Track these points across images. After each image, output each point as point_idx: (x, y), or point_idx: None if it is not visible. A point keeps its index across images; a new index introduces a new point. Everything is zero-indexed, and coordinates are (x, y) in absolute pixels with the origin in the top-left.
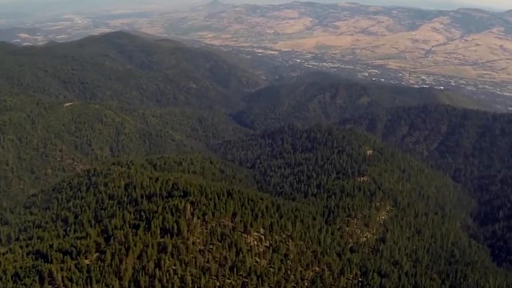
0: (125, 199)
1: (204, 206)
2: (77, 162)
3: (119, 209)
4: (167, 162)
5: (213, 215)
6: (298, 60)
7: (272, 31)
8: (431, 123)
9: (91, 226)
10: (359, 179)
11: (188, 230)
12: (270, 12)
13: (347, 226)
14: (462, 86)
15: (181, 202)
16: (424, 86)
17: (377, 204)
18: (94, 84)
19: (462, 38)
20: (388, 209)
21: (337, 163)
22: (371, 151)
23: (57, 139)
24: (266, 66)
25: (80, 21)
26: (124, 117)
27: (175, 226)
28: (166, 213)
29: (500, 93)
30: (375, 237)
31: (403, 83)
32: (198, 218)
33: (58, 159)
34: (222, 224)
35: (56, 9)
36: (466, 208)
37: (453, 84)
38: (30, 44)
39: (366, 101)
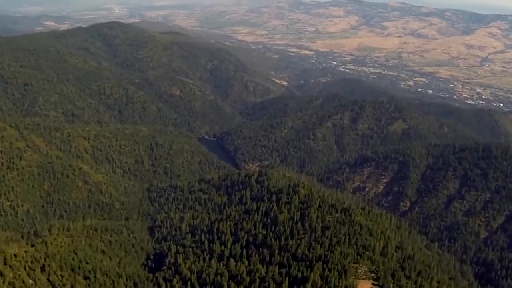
0: None
1: None
2: None
3: None
4: None
5: None
6: (334, 63)
7: (313, 29)
8: (496, 180)
9: None
10: None
11: None
12: (314, 9)
13: None
14: None
15: None
16: (480, 102)
17: None
18: (39, 86)
19: None
20: None
21: None
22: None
23: None
24: (293, 68)
25: (117, 11)
26: (32, 140)
27: None
28: None
29: None
30: None
31: (455, 96)
32: None
33: None
34: None
35: None
36: None
37: None
38: None
39: (401, 128)
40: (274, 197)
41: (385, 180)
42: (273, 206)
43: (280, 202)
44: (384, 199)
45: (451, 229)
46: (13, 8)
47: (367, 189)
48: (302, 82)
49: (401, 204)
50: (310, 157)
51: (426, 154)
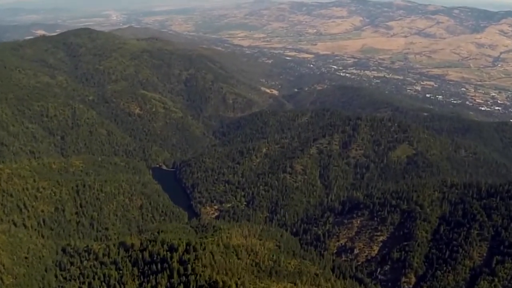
0: None
1: None
2: None
3: None
4: None
5: None
6: (334, 67)
7: (314, 30)
8: None
9: None
10: None
11: None
12: (316, 10)
13: None
14: None
15: None
16: (496, 108)
17: None
18: None
19: None
20: None
21: None
22: None
23: None
24: (288, 74)
25: (115, 17)
26: None
27: None
28: None
29: None
30: None
31: (467, 102)
32: None
33: None
34: None
35: (100, 5)
36: None
37: None
38: None
39: (406, 155)
40: None
41: (381, 239)
42: None
43: None
44: (379, 269)
45: None
46: (10, 17)
47: (356, 251)
48: (296, 90)
49: (403, 279)
50: (284, 198)
51: (440, 199)
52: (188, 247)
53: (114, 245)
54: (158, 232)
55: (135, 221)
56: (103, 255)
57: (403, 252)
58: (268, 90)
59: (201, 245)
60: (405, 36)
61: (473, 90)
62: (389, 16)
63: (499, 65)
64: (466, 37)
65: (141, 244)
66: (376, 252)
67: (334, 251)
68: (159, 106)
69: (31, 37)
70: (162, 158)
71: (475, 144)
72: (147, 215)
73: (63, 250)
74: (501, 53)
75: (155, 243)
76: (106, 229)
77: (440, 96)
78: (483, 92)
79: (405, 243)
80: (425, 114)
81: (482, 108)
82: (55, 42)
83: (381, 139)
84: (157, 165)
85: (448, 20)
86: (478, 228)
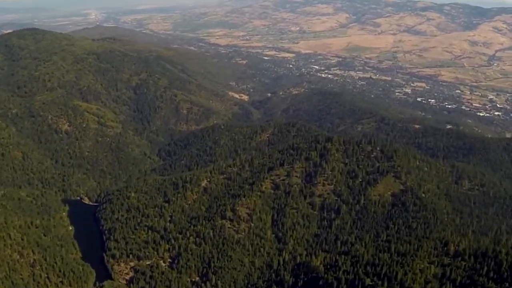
0: None
1: None
2: None
3: None
4: None
5: None
6: (316, 67)
7: (297, 28)
8: None
9: None
10: None
11: None
12: (301, 7)
13: None
14: None
15: None
16: (496, 113)
17: None
18: None
19: None
20: None
21: None
22: None
23: None
24: (264, 76)
25: (93, 16)
26: None
27: None
28: None
29: None
30: None
31: (463, 106)
32: None
33: None
34: None
35: (81, 4)
36: None
37: None
38: None
39: (390, 192)
40: None
41: None
42: None
43: None
44: None
45: None
46: None
47: None
48: (269, 95)
49: None
50: (220, 256)
51: (438, 278)
52: None
53: None
54: None
55: (23, 284)
56: None
57: None
58: (236, 95)
59: None
60: (394, 34)
61: (468, 92)
62: (376, 13)
63: (495, 64)
64: (459, 35)
65: None
66: None
67: None
68: (91, 121)
69: None
70: (85, 189)
71: (481, 171)
72: (41, 275)
73: None
74: (496, 51)
75: None
76: None
77: (432, 100)
78: (480, 94)
79: None
80: (417, 126)
81: (481, 114)
82: None
83: (357, 170)
84: (78, 198)
85: (439, 17)
86: None
